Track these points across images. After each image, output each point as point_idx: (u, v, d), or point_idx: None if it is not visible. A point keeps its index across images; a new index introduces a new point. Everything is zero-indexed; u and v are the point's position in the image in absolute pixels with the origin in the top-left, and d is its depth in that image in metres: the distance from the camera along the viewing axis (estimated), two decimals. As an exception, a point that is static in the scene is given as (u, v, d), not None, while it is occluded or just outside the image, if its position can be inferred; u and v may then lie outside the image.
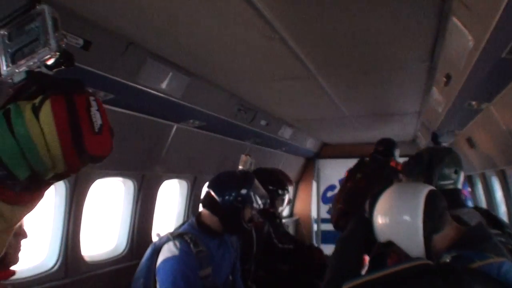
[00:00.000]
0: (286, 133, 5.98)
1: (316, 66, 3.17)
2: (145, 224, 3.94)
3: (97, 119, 0.79)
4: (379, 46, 2.80)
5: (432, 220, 1.74)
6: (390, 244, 1.79)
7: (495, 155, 3.95)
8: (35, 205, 0.84)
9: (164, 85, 2.92)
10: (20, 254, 1.73)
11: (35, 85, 0.80)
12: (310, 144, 7.70)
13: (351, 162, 5.16)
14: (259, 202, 2.96)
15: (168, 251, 2.64)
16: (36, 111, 0.76)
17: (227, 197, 2.84)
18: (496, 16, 1.69)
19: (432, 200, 1.78)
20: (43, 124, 0.75)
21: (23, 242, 1.73)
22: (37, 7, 0.82)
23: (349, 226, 2.20)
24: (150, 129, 3.55)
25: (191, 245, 2.66)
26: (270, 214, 4.17)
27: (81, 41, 1.11)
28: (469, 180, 5.65)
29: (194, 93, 3.28)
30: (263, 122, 4.96)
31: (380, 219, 1.84)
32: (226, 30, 2.43)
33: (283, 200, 4.32)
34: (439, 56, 2.88)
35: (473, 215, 2.34)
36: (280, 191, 4.26)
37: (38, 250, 3.05)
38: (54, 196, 3.08)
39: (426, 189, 1.83)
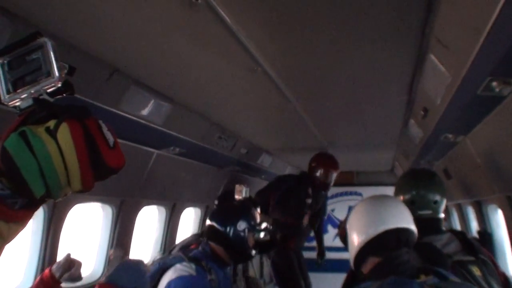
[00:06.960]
0: (265, 161, 6.01)
1: (296, 97, 3.23)
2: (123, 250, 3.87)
3: (110, 137, 0.89)
4: (358, 80, 2.87)
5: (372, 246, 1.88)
6: None
7: (471, 187, 4.03)
8: (27, 222, 0.87)
9: (146, 112, 2.92)
10: None
11: (45, 111, 0.85)
12: (289, 172, 7.68)
13: (330, 191, 5.21)
14: (260, 226, 3.00)
15: (184, 270, 2.59)
16: (52, 133, 0.81)
17: (230, 227, 2.84)
18: (472, 54, 1.75)
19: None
20: (61, 143, 0.81)
21: None
22: (38, 39, 0.88)
23: None
24: (131, 155, 3.52)
25: (207, 272, 2.65)
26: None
27: (66, 67, 1.13)
28: (446, 210, 5.71)
29: (176, 120, 3.29)
30: (243, 150, 4.97)
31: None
32: (209, 61, 2.47)
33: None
34: (417, 91, 2.96)
35: (449, 240, 2.38)
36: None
37: (13, 276, 2.97)
38: (31, 221, 3.00)
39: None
